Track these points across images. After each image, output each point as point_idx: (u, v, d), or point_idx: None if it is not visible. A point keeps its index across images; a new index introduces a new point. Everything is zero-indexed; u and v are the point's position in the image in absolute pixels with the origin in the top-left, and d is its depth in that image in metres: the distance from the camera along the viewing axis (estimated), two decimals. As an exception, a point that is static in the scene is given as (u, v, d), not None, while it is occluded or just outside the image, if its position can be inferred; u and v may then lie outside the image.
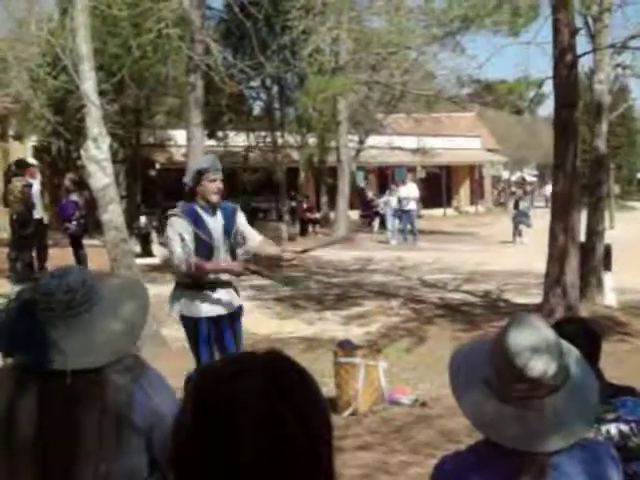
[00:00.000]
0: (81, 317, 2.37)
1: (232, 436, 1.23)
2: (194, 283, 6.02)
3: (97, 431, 2.31)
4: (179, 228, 5.95)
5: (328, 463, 1.31)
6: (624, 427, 3.06)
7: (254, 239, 6.30)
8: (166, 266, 19.58)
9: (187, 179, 6.19)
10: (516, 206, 28.70)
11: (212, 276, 6.06)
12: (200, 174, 6.04)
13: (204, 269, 5.92)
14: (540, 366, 2.05)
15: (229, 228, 6.16)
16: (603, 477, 2.19)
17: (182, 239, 5.91)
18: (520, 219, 27.45)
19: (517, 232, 27.18)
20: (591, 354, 3.06)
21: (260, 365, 1.32)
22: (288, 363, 1.34)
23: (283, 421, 1.25)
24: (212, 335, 6.09)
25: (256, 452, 1.23)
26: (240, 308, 6.28)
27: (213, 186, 6.02)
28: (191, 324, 6.09)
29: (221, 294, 6.10)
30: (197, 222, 6.03)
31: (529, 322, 2.15)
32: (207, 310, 6.05)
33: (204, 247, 5.99)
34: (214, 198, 6.06)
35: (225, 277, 6.12)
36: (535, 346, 2.07)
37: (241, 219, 6.32)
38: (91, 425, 2.31)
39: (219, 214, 6.17)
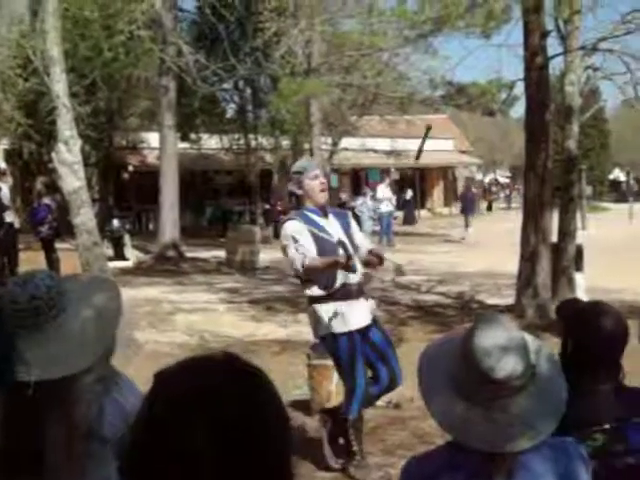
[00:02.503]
0: (47, 326, 2.30)
1: (185, 437, 1.22)
2: (335, 292, 5.58)
3: (66, 445, 2.27)
4: (291, 232, 5.54)
5: (285, 465, 1.31)
6: (632, 460, 2.70)
7: (364, 246, 5.95)
8: (140, 269, 19.57)
9: (290, 186, 5.81)
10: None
11: (350, 282, 5.62)
12: (300, 175, 5.68)
13: (315, 267, 5.41)
14: (506, 368, 2.05)
15: (347, 228, 5.77)
16: (572, 476, 2.20)
17: (295, 241, 5.49)
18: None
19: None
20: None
21: (217, 367, 1.31)
22: (244, 365, 1.34)
23: (238, 422, 1.24)
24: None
25: (209, 454, 1.22)
26: (376, 314, 5.94)
27: (317, 183, 5.66)
28: (345, 341, 5.60)
29: (365, 300, 5.76)
30: (312, 224, 5.60)
31: (495, 322, 2.15)
32: (359, 320, 5.66)
33: (326, 247, 5.54)
34: (322, 197, 5.69)
35: (355, 280, 5.69)
36: (501, 347, 2.07)
37: (355, 224, 6.00)
38: (60, 440, 2.27)
39: (332, 217, 5.80)
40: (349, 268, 5.35)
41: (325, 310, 5.59)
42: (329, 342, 5.72)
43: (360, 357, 5.63)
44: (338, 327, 5.57)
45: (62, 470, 2.26)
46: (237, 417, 1.25)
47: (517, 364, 2.07)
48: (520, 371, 2.07)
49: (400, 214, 36.19)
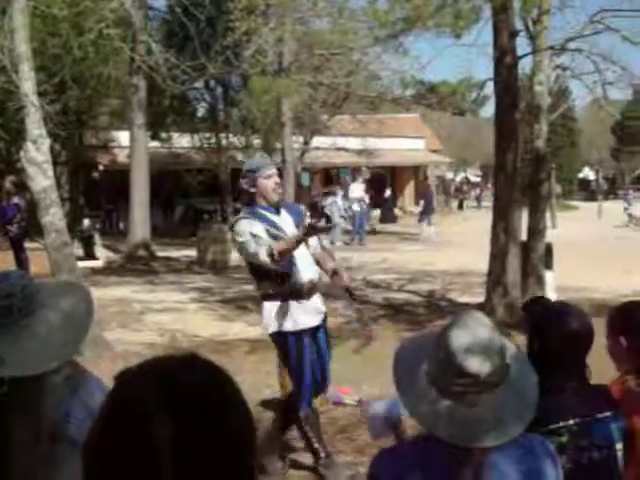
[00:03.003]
0: (20, 324, 2.30)
1: (143, 437, 1.22)
2: (287, 291, 5.61)
3: (32, 447, 2.26)
4: (246, 227, 5.55)
5: (248, 465, 1.31)
6: (596, 455, 2.80)
7: (316, 245, 5.98)
8: (110, 268, 19.47)
9: (241, 184, 5.79)
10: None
11: (302, 281, 5.66)
12: (254, 173, 5.68)
13: (285, 249, 5.34)
14: (479, 363, 2.08)
15: (299, 224, 5.72)
16: (540, 474, 2.23)
17: (253, 235, 5.49)
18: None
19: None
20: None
21: (178, 366, 1.31)
22: (205, 363, 1.33)
23: (199, 421, 1.24)
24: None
25: (168, 453, 1.21)
26: (326, 314, 5.98)
27: (271, 182, 5.68)
28: (293, 340, 5.66)
29: (318, 300, 5.82)
30: (264, 221, 5.64)
31: (472, 319, 2.18)
32: (310, 320, 5.72)
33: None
34: (275, 196, 5.72)
35: (316, 279, 5.81)
36: (476, 343, 2.10)
37: (307, 219, 6.00)
38: (26, 441, 2.26)
39: (284, 212, 5.84)
40: (318, 229, 5.38)
41: (276, 308, 5.63)
42: (278, 339, 5.75)
43: (308, 355, 5.70)
44: (287, 326, 5.63)
45: (29, 472, 2.25)
46: (198, 416, 1.24)
47: (490, 361, 2.08)
48: (492, 368, 2.08)
49: (376, 213, 36.33)
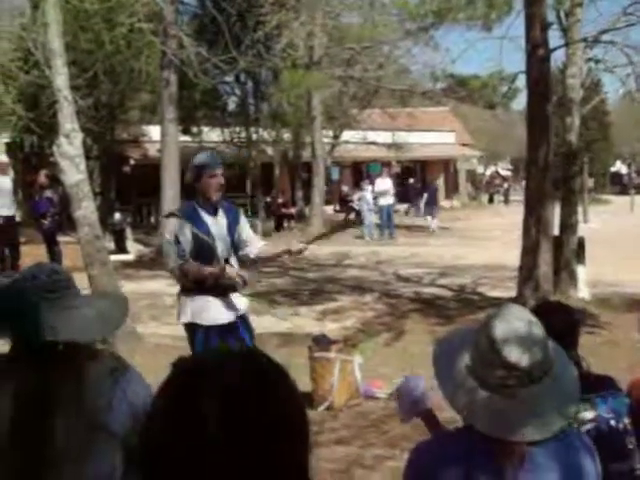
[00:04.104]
0: (66, 299, 2.39)
1: (200, 425, 1.22)
2: (200, 288, 5.77)
3: (71, 433, 2.29)
4: (175, 229, 5.73)
5: (303, 460, 1.31)
6: (604, 427, 2.98)
7: (255, 245, 6.12)
8: (141, 262, 19.56)
9: (187, 176, 5.92)
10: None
11: (225, 279, 5.79)
12: (200, 170, 5.77)
13: (191, 274, 5.67)
14: (519, 353, 2.07)
15: (232, 228, 5.91)
16: (578, 468, 2.21)
17: (178, 241, 5.68)
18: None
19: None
20: (572, 339, 3.07)
21: (238, 360, 1.31)
22: (266, 360, 1.33)
23: (258, 417, 1.24)
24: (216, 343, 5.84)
25: (224, 445, 1.22)
26: (246, 312, 6.11)
27: (214, 182, 5.74)
28: (202, 333, 5.81)
29: (234, 297, 5.91)
30: (196, 221, 5.78)
31: (515, 311, 2.18)
32: (222, 316, 5.85)
33: (203, 247, 5.76)
34: (215, 195, 5.79)
35: (228, 281, 5.91)
36: (519, 334, 2.09)
37: (244, 222, 6.13)
38: (65, 428, 2.29)
39: (221, 213, 5.94)
40: (220, 278, 5.65)
41: (190, 301, 5.80)
42: (188, 330, 5.92)
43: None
44: (197, 319, 5.78)
45: (67, 455, 2.27)
46: (255, 411, 1.25)
47: (534, 352, 2.08)
48: (535, 360, 2.08)
49: (401, 207, 36.24)
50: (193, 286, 5.76)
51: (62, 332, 2.32)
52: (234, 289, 5.88)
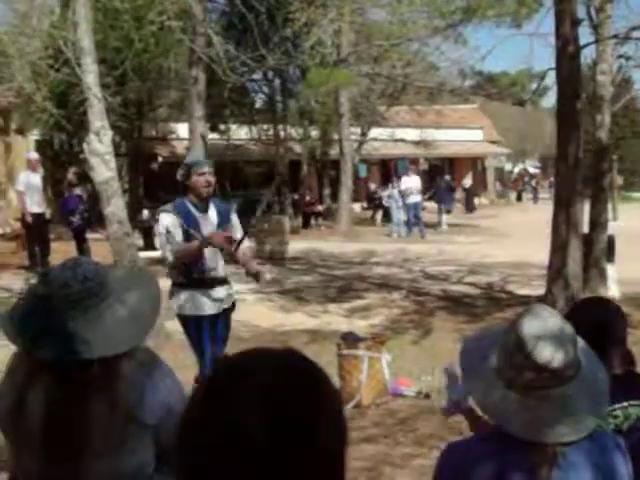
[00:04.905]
0: (98, 307, 2.33)
1: (239, 432, 1.21)
2: (192, 281, 6.12)
3: (105, 426, 2.30)
4: (166, 223, 6.06)
5: (341, 465, 1.31)
6: None
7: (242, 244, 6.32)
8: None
9: (178, 174, 6.21)
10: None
11: (211, 273, 6.17)
12: (189, 168, 6.10)
13: (180, 254, 6.00)
14: (550, 352, 2.05)
15: (222, 225, 6.19)
16: (610, 468, 2.19)
17: (168, 232, 6.03)
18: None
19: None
20: (623, 336, 3.03)
21: (274, 361, 1.31)
22: (302, 361, 1.33)
23: (295, 419, 1.23)
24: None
25: (265, 453, 1.20)
26: (234, 304, 6.48)
27: (202, 179, 6.06)
28: (193, 322, 6.19)
29: (220, 291, 6.24)
30: (187, 218, 6.09)
31: (544, 311, 2.17)
32: (209, 308, 6.18)
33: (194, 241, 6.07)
34: (204, 192, 6.10)
35: (221, 274, 6.28)
36: (548, 335, 2.08)
37: (235, 220, 6.39)
38: (99, 420, 2.30)
39: (212, 210, 6.24)
40: (212, 245, 5.96)
41: (182, 294, 6.16)
42: (181, 321, 6.31)
43: (207, 335, 6.20)
44: (188, 310, 6.16)
45: (103, 449, 2.30)
46: (296, 410, 1.24)
47: (562, 353, 2.06)
48: (565, 360, 2.06)
49: (427, 204, 36.18)
50: (183, 280, 6.12)
51: (97, 348, 2.27)
52: (221, 283, 6.26)
